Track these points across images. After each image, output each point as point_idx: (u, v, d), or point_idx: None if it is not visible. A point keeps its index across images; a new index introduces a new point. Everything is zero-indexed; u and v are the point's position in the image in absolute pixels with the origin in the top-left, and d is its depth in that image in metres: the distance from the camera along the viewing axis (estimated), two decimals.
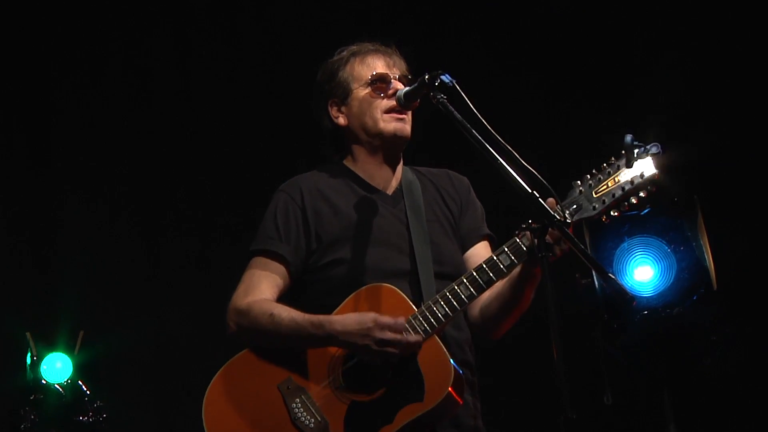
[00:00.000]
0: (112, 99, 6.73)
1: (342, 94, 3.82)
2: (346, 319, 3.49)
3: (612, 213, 3.43)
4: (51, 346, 6.09)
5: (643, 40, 6.80)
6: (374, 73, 3.77)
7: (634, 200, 3.40)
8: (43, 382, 6.01)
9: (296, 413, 3.51)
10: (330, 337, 3.49)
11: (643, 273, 5.86)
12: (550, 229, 3.17)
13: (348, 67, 3.83)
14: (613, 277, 3.14)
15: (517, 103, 6.69)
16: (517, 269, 3.51)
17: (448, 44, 6.74)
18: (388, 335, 3.42)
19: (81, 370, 6.10)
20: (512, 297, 3.60)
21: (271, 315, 3.57)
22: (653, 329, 5.84)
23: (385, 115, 3.74)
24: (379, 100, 3.75)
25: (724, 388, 6.40)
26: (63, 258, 6.46)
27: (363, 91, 3.78)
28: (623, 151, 3.38)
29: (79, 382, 6.04)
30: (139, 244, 6.64)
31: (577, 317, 5.81)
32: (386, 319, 3.44)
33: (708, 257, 5.76)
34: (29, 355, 6.05)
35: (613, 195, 3.40)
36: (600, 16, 6.81)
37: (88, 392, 6.00)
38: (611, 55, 6.81)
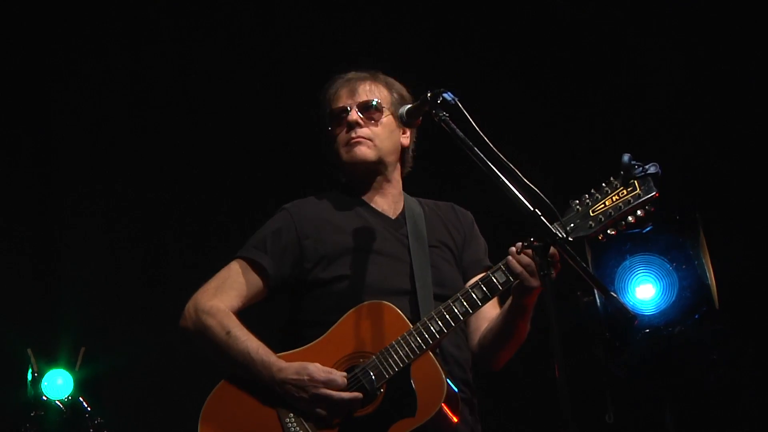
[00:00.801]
0: (116, 110, 6.74)
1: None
2: (289, 367, 3.52)
3: (609, 232, 3.43)
4: (52, 363, 6.08)
5: (645, 52, 6.80)
6: (332, 109, 3.86)
7: (631, 219, 3.40)
8: (44, 398, 6.00)
9: (289, 428, 3.52)
10: (271, 381, 3.54)
11: (644, 291, 5.86)
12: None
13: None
14: (614, 295, 3.13)
15: (517, 113, 6.69)
16: (508, 303, 3.56)
17: (450, 54, 6.76)
18: (322, 392, 3.46)
19: (82, 386, 6.08)
20: (505, 330, 3.64)
21: (228, 333, 3.60)
22: (655, 347, 5.84)
23: (345, 147, 3.81)
24: (338, 136, 3.84)
25: (726, 406, 6.38)
26: (64, 274, 6.46)
27: (327, 130, 3.87)
28: (621, 171, 3.38)
29: (80, 398, 6.03)
30: (140, 260, 6.63)
31: (579, 335, 5.81)
32: (322, 375, 3.48)
33: (710, 275, 5.76)
34: (30, 371, 6.04)
35: (610, 214, 3.40)
36: (602, 27, 6.82)
37: (89, 409, 5.99)
38: (611, 68, 6.82)
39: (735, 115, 6.58)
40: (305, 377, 3.48)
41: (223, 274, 3.76)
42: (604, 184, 3.43)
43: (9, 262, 6.43)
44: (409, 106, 3.62)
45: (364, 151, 3.80)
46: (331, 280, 3.68)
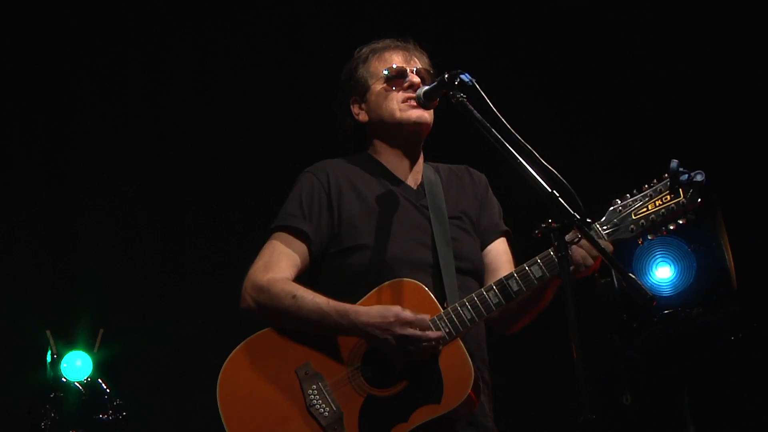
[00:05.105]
0: (130, 102, 6.77)
1: (361, 91, 3.84)
2: (370, 310, 3.47)
3: (648, 237, 3.43)
4: (71, 345, 6.12)
5: (660, 37, 6.78)
6: (390, 67, 3.79)
7: (672, 226, 3.39)
8: (63, 380, 6.04)
9: (311, 400, 3.50)
10: (353, 327, 3.48)
11: (662, 273, 5.84)
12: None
13: (366, 64, 3.85)
14: (633, 276, 3.10)
15: (530, 104, 6.68)
16: None
17: (462, 44, 6.75)
18: (409, 331, 3.41)
19: (101, 368, 6.12)
20: (533, 298, 3.60)
21: (294, 297, 3.54)
22: (672, 329, 5.82)
23: (402, 104, 3.74)
24: (394, 93, 3.76)
25: (744, 388, 6.36)
26: (83, 257, 6.49)
27: (379, 86, 3.80)
28: (666, 175, 3.37)
29: (99, 380, 6.07)
30: (158, 243, 6.66)
31: (596, 317, 5.80)
32: (409, 315, 3.43)
33: (728, 257, 5.74)
34: (49, 353, 6.08)
35: (653, 219, 3.40)
36: (612, 17, 6.80)
37: (107, 390, 6.03)
38: (627, 54, 6.80)
39: (755, 94, 6.55)
40: (391, 318, 3.42)
41: (267, 250, 3.68)
42: (646, 186, 3.42)
43: (28, 246, 6.47)
44: (426, 87, 3.62)
45: (426, 117, 3.75)
46: (352, 248, 3.65)
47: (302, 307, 3.53)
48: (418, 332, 3.41)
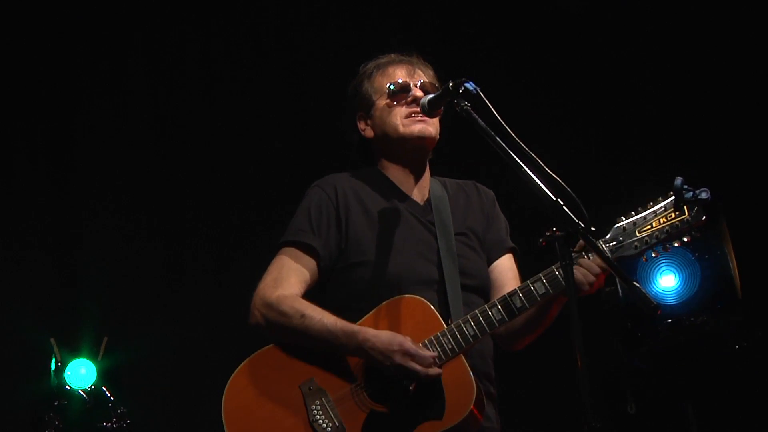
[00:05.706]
0: (134, 108, 6.77)
1: (366, 107, 3.86)
2: (379, 335, 3.49)
3: (652, 254, 3.43)
4: (75, 352, 6.12)
5: (663, 43, 6.78)
6: (394, 82, 3.81)
7: (676, 244, 3.39)
8: (67, 387, 6.04)
9: (315, 416, 3.52)
10: (358, 349, 3.50)
11: (667, 281, 5.84)
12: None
13: (371, 80, 3.88)
14: (637, 284, 3.10)
15: (535, 112, 6.68)
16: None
17: (466, 51, 6.75)
18: (409, 364, 3.44)
19: (105, 376, 6.12)
20: (538, 315, 3.62)
21: (303, 316, 3.57)
22: (677, 338, 5.81)
23: (405, 120, 3.76)
24: (397, 108, 3.78)
25: (749, 397, 6.35)
26: (87, 264, 6.49)
27: (383, 101, 3.82)
28: (671, 193, 3.36)
29: (103, 388, 6.07)
30: (162, 251, 6.66)
31: (601, 325, 5.79)
32: (412, 347, 3.45)
33: (732, 265, 5.73)
34: (53, 361, 6.07)
35: (657, 237, 3.40)
36: (616, 19, 6.80)
37: (111, 398, 6.03)
38: (628, 58, 6.80)
39: (760, 102, 6.54)
40: (395, 347, 3.44)
41: (276, 265, 3.71)
42: (651, 203, 3.42)
43: (32, 253, 6.46)
44: (431, 96, 3.62)
45: (430, 130, 3.77)
46: (357, 264, 3.67)
47: (310, 327, 3.56)
48: (417, 367, 3.44)
